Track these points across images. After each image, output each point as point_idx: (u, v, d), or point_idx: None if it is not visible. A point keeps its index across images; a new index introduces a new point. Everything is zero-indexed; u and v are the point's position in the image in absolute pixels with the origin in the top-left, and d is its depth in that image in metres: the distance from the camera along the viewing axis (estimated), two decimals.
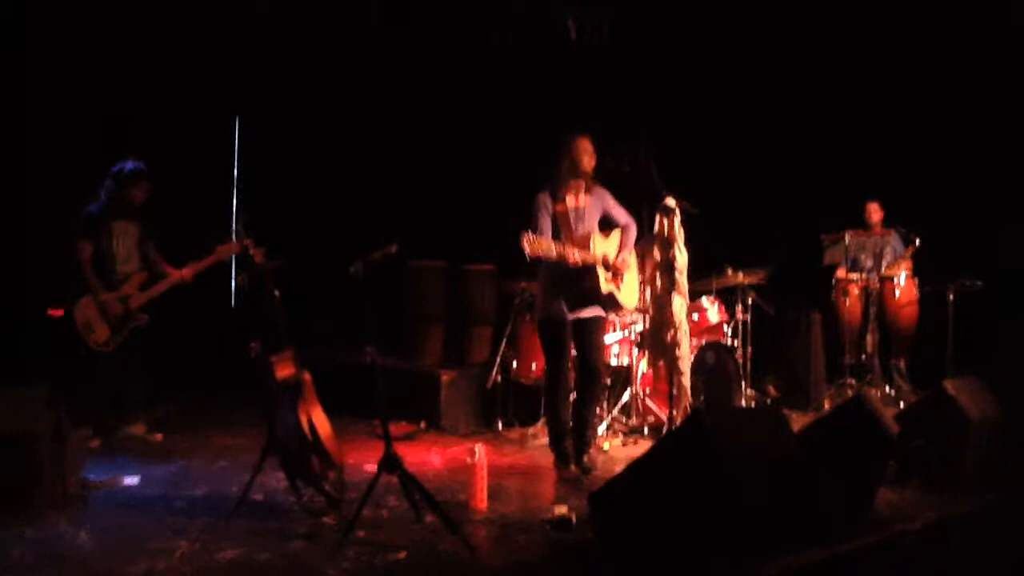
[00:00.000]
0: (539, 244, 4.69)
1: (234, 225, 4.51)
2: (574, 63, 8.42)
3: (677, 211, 4.66)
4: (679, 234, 4.66)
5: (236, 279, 4.35)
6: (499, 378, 6.69)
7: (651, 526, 3.62)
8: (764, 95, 8.43)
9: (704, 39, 8.29)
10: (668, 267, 4.64)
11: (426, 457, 5.88)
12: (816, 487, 3.82)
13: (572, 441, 5.36)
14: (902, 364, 7.93)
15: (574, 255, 4.83)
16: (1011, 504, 4.50)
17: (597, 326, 5.29)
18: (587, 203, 5.22)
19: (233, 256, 6.15)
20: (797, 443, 3.88)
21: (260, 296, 4.44)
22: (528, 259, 4.96)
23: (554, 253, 4.75)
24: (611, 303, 5.18)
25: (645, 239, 5.23)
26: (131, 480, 5.13)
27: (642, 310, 6.46)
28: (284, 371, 4.38)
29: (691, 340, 5.71)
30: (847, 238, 7.81)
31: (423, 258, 7.41)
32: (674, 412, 6.28)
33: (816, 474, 3.84)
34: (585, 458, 5.30)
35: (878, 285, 7.73)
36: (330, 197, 8.30)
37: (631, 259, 5.32)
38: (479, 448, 4.61)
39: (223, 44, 7.68)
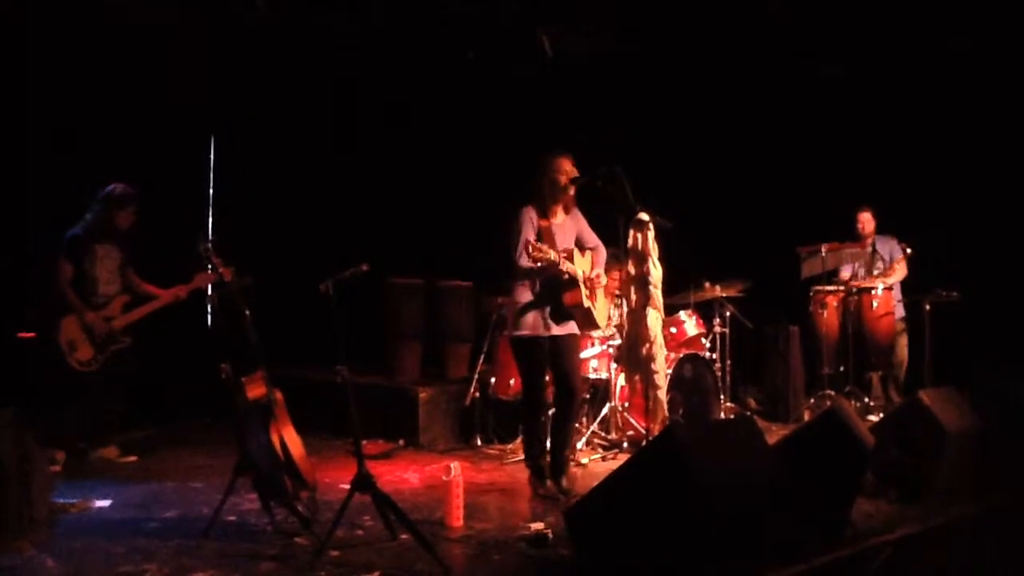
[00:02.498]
0: (542, 252, 4.64)
1: (200, 245, 4.43)
2: (551, 79, 8.46)
3: (650, 225, 4.64)
4: (653, 248, 4.65)
5: (207, 299, 4.30)
6: (477, 394, 6.66)
7: (627, 542, 3.58)
8: (744, 107, 8.47)
9: (682, 51, 8.32)
10: (642, 281, 4.63)
11: (404, 475, 5.84)
12: (792, 499, 3.80)
13: (549, 459, 5.32)
14: (881, 375, 7.94)
15: (568, 265, 4.83)
16: (987, 515, 4.50)
17: (574, 343, 5.27)
18: (567, 222, 5.23)
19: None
20: (772, 455, 3.86)
21: (231, 315, 4.38)
22: (517, 271, 4.98)
23: (555, 259, 4.73)
24: (588, 320, 5.18)
25: (610, 252, 5.26)
26: (102, 503, 5.05)
27: (618, 325, 6.49)
28: (255, 391, 4.34)
29: (668, 353, 5.72)
30: (824, 250, 7.82)
31: (401, 275, 7.39)
32: (651, 426, 6.30)
33: (792, 486, 3.82)
34: (564, 480, 5.21)
35: (856, 297, 7.74)
36: (306, 216, 8.25)
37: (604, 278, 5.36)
38: (454, 465, 4.57)
39: (199, 61, 7.64)
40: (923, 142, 8.04)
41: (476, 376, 6.67)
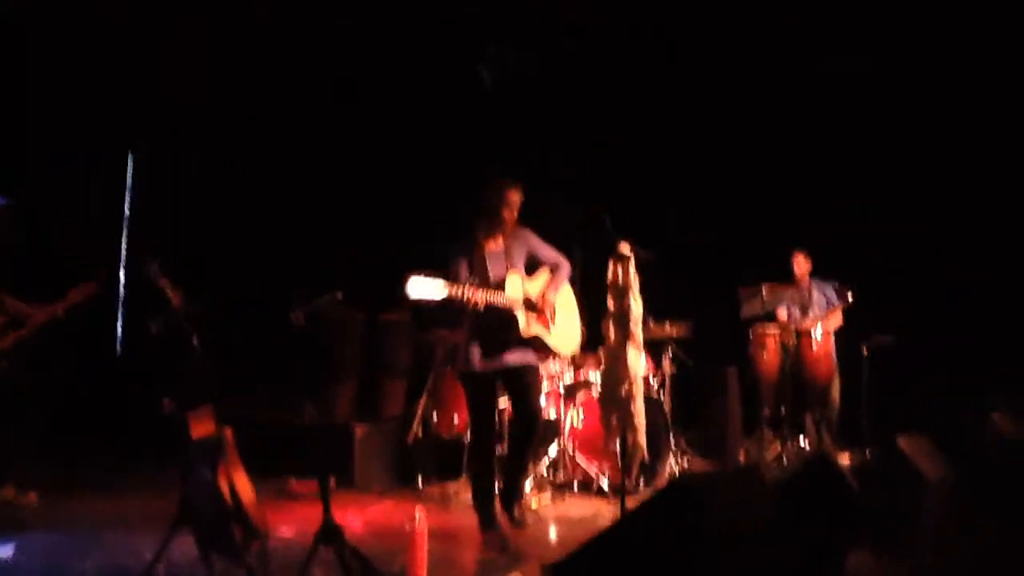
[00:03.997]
0: (420, 286, 4.31)
1: (147, 266, 3.95)
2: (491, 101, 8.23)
3: (631, 258, 4.40)
4: (634, 282, 4.39)
5: (151, 323, 3.80)
6: (420, 433, 6.25)
7: None
8: (684, 145, 8.40)
9: (620, 87, 8.22)
10: (622, 317, 4.36)
11: (343, 518, 5.36)
12: (794, 554, 3.57)
13: (500, 493, 5.01)
14: (820, 417, 7.89)
15: (475, 295, 4.52)
16: (972, 561, 4.38)
17: (528, 373, 5.04)
18: (507, 246, 4.98)
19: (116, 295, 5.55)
20: (777, 509, 3.63)
21: (176, 344, 3.90)
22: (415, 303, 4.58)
23: (439, 295, 4.35)
24: (540, 347, 4.94)
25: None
26: (3, 552, 4.44)
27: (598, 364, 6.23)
28: (202, 429, 3.86)
29: None
30: (764, 291, 7.76)
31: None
32: (602, 467, 6.04)
33: (795, 541, 3.59)
34: (516, 509, 5.00)
35: (795, 338, 7.68)
36: (234, 242, 7.69)
37: (564, 298, 5.13)
38: (419, 513, 4.16)
39: (117, 74, 7.09)
40: (859, 183, 8.11)
41: (420, 412, 6.26)
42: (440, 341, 6.41)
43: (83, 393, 6.96)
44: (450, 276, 4.61)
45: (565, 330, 5.10)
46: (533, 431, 5.08)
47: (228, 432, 3.98)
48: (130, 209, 7.37)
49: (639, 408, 4.34)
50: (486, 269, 4.83)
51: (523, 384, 4.99)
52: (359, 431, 6.30)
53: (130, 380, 6.93)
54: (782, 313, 7.97)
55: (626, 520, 3.40)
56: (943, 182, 7.84)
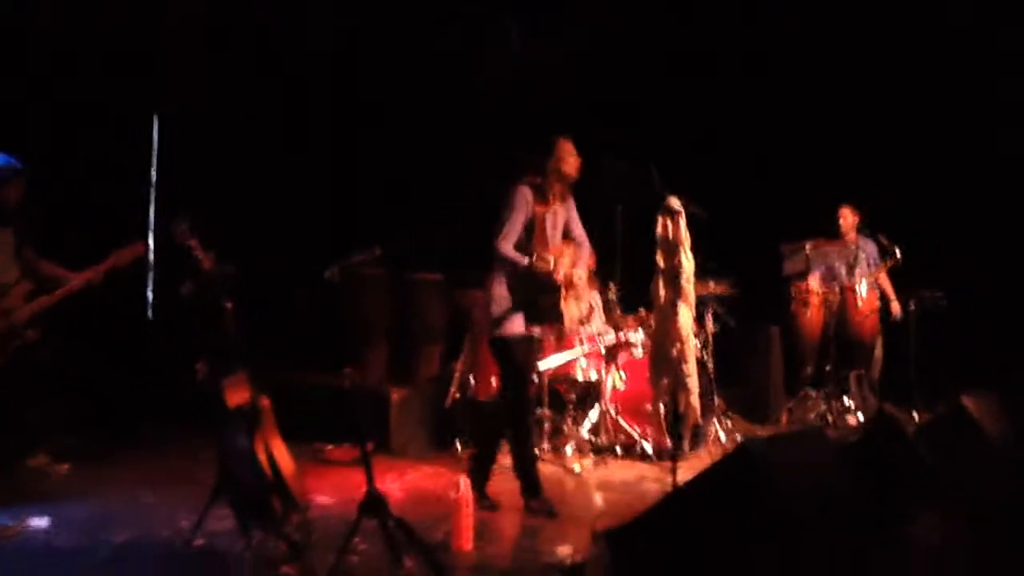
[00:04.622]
0: (544, 263, 4.50)
1: (175, 224, 3.76)
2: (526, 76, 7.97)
3: (682, 213, 4.16)
4: (685, 238, 4.16)
5: (181, 287, 3.63)
6: (458, 396, 6.08)
7: (690, 570, 3.10)
8: (727, 100, 8.11)
9: (662, 45, 7.94)
10: (673, 274, 4.14)
11: (382, 485, 5.20)
12: (860, 517, 3.39)
13: (522, 488, 4.82)
14: (864, 375, 7.65)
15: (560, 273, 4.57)
16: None
17: (536, 346, 5.04)
18: (559, 211, 4.79)
19: (151, 257, 5.35)
20: (841, 470, 3.44)
21: (209, 309, 3.73)
22: (495, 252, 4.59)
23: (552, 268, 4.55)
24: (558, 321, 4.81)
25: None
26: (39, 522, 4.34)
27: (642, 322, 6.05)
28: (237, 396, 3.70)
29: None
30: (807, 247, 7.49)
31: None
32: (645, 429, 5.86)
33: (862, 504, 3.40)
34: (541, 500, 4.75)
35: (839, 295, 7.43)
36: (264, 203, 7.50)
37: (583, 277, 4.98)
38: (463, 481, 4.01)
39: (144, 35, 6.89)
40: (911, 142, 7.79)
41: (457, 375, 6.08)
42: (476, 302, 6.21)
43: (114, 360, 6.84)
44: (509, 225, 4.56)
45: (572, 309, 4.98)
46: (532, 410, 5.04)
47: (265, 400, 3.82)
48: (157, 172, 7.19)
49: (692, 369, 4.14)
50: (545, 232, 4.65)
51: (534, 358, 4.94)
52: (395, 395, 6.15)
53: (162, 346, 6.80)
54: (814, 278, 7.69)
55: (688, 487, 3.22)
56: (993, 133, 7.52)
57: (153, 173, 7.21)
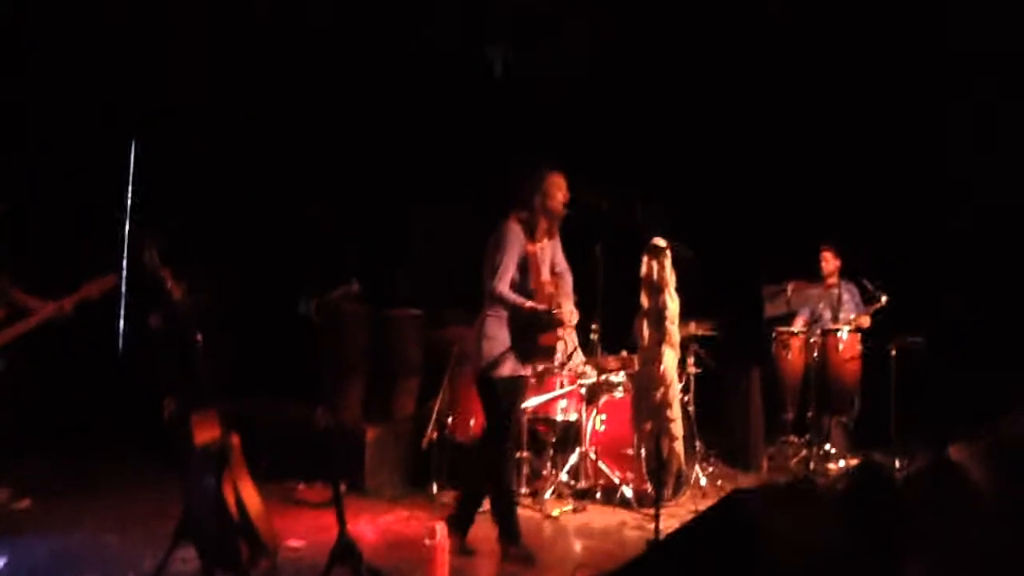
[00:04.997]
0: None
1: (143, 251, 3.63)
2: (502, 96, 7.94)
3: (667, 252, 4.09)
4: (670, 278, 4.09)
5: (150, 319, 3.49)
6: (435, 435, 5.93)
7: None
8: (707, 139, 8.12)
9: (647, 79, 7.94)
10: (658, 316, 4.06)
11: (355, 527, 5.06)
12: (853, 570, 3.28)
13: (499, 534, 4.67)
14: (838, 422, 7.58)
15: (560, 312, 4.48)
16: None
17: (525, 385, 4.89)
18: (547, 247, 4.71)
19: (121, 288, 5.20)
20: (835, 524, 3.33)
21: (178, 341, 3.59)
22: (492, 295, 4.47)
23: (550, 308, 4.47)
24: (549, 356, 4.74)
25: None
26: None
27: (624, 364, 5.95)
28: (206, 433, 3.56)
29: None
30: (789, 289, 7.46)
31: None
32: (665, 480, 5.69)
33: (852, 557, 3.29)
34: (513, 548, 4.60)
35: (820, 339, 7.37)
36: (238, 234, 7.38)
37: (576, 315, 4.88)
38: (440, 528, 3.88)
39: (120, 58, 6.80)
40: (890, 183, 7.83)
41: (435, 415, 5.94)
42: (455, 339, 6.10)
43: (82, 392, 6.66)
44: (502, 265, 4.46)
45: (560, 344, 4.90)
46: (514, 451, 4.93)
47: (234, 438, 3.68)
48: (132, 198, 7.05)
49: (676, 414, 4.04)
50: (539, 269, 4.57)
51: (520, 397, 4.81)
52: (370, 433, 5.99)
53: (131, 379, 6.62)
54: (799, 321, 7.67)
55: (672, 539, 3.10)
56: (969, 178, 7.55)
57: (128, 199, 7.07)
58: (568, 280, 4.81)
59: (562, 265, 4.81)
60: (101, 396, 6.75)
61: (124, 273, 6.67)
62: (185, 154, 7.13)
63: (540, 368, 5.77)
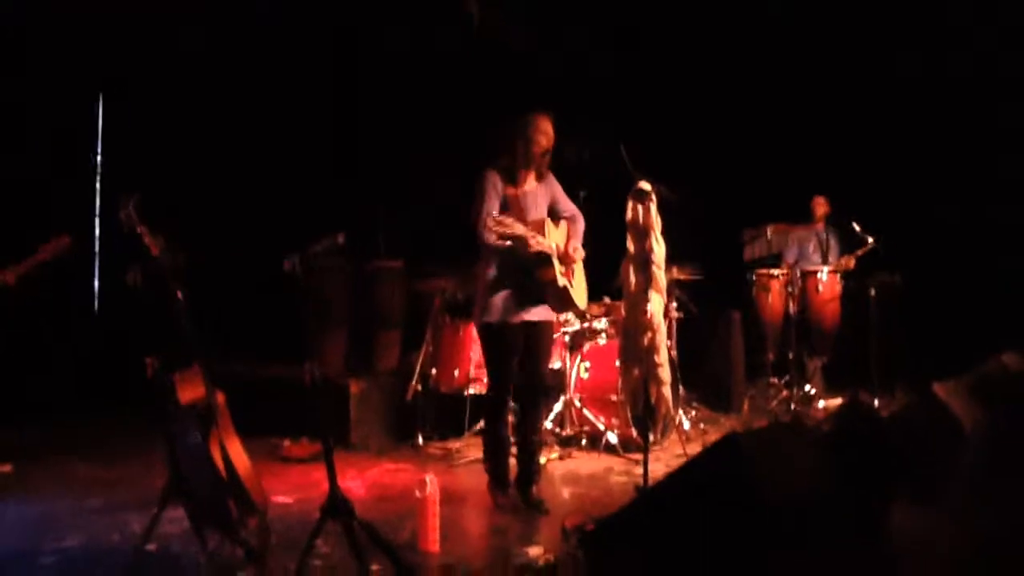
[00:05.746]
0: (506, 226, 4.04)
1: (121, 208, 3.52)
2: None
3: (653, 196, 4.03)
4: (656, 222, 4.03)
5: (127, 275, 3.40)
6: (419, 388, 5.90)
7: (671, 570, 2.98)
8: (696, 87, 8.04)
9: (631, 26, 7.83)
10: (643, 260, 4.01)
11: (342, 482, 5.00)
12: (843, 511, 3.30)
13: (516, 466, 4.67)
14: (824, 362, 7.65)
15: (536, 241, 4.20)
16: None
17: (547, 332, 4.65)
18: (538, 189, 4.57)
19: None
20: (821, 462, 3.35)
21: (158, 298, 3.51)
22: (480, 246, 4.35)
23: (522, 233, 4.14)
24: (565, 300, 4.55)
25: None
26: None
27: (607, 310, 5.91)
28: (190, 392, 3.49)
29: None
30: (769, 232, 7.44)
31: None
32: (653, 424, 5.70)
33: (841, 496, 3.31)
34: (533, 490, 4.60)
35: (800, 281, 7.39)
36: (217, 187, 7.21)
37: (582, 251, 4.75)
38: (431, 479, 3.86)
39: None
40: (874, 131, 7.81)
41: (419, 367, 5.91)
42: (437, 290, 6.04)
43: (60, 354, 6.55)
44: (479, 217, 4.29)
45: (580, 282, 4.74)
46: (544, 397, 4.78)
47: (220, 396, 3.62)
48: (102, 154, 6.86)
49: (663, 359, 4.02)
50: (522, 211, 4.42)
51: (541, 343, 4.59)
52: (354, 387, 5.96)
53: (110, 339, 6.52)
54: (790, 256, 7.70)
55: (666, 483, 3.10)
56: (950, 121, 7.54)
57: (98, 155, 6.88)
58: (580, 223, 4.69)
59: (570, 209, 4.69)
60: (79, 357, 6.65)
61: (98, 231, 6.53)
62: (163, 110, 6.93)
63: (563, 317, 5.72)
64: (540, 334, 4.56)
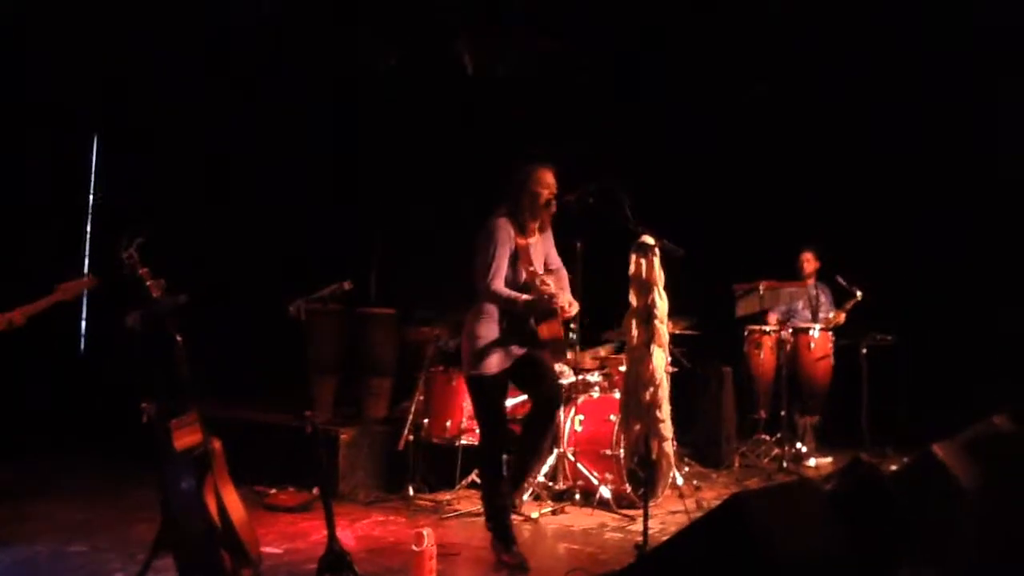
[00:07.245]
0: (548, 286, 4.32)
1: (122, 249, 3.47)
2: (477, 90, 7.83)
3: (656, 250, 4.03)
4: (659, 276, 4.02)
5: (127, 319, 3.33)
6: (411, 437, 5.82)
7: None
8: (684, 139, 8.11)
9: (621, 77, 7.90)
10: (647, 315, 3.99)
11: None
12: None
13: (513, 463, 4.62)
14: (815, 420, 7.62)
15: (561, 298, 4.39)
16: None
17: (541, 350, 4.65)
18: (540, 241, 4.62)
19: (84, 293, 4.95)
20: (831, 523, 3.30)
21: (156, 342, 3.44)
22: (486, 294, 4.37)
23: (554, 292, 4.37)
24: (562, 351, 4.59)
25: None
26: None
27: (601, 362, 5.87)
28: (187, 438, 3.41)
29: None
30: (761, 288, 7.46)
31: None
32: (654, 481, 5.60)
33: (849, 558, 3.26)
34: (517, 496, 4.73)
35: (792, 338, 7.39)
36: (211, 232, 7.16)
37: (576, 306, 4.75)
38: (428, 533, 3.77)
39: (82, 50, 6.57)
40: (865, 187, 7.89)
41: (411, 416, 5.83)
42: (430, 338, 5.99)
43: (42, 396, 6.43)
44: (494, 260, 4.36)
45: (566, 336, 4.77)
46: (556, 408, 4.74)
47: (216, 443, 3.54)
48: (95, 195, 6.81)
49: (665, 414, 3.98)
50: (531, 263, 4.45)
51: (542, 358, 4.55)
52: (343, 435, 5.87)
53: (97, 383, 6.41)
54: (773, 317, 7.70)
55: (671, 544, 3.04)
56: (943, 180, 7.63)
57: (91, 196, 6.83)
58: (564, 277, 4.71)
59: (557, 263, 4.73)
60: (62, 400, 6.52)
61: (86, 272, 6.45)
62: (165, 152, 6.91)
63: (557, 368, 5.66)
64: (535, 353, 4.52)
